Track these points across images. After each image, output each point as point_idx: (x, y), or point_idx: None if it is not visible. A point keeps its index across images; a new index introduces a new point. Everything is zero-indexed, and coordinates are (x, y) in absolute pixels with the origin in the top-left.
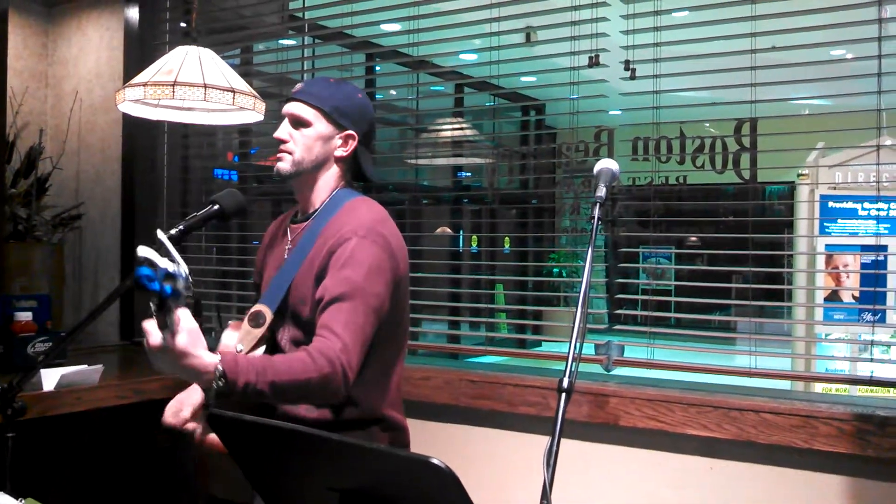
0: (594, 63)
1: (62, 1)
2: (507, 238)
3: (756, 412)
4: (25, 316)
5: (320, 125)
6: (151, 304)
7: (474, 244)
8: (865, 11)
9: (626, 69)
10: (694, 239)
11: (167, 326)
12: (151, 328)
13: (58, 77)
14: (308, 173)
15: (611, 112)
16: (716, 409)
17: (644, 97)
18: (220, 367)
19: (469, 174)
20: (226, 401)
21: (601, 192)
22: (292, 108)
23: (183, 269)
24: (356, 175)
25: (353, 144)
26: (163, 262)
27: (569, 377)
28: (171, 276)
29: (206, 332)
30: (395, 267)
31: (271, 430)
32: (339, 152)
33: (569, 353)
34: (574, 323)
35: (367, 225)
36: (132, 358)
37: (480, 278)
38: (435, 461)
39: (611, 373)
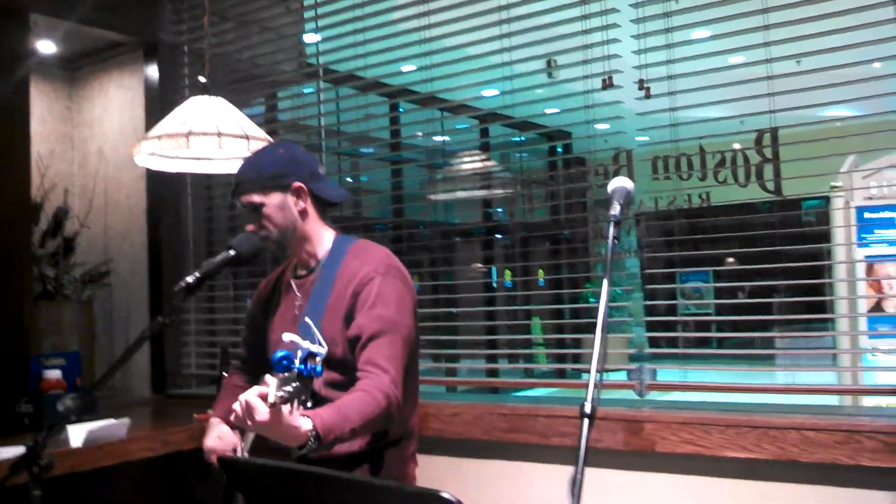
0: (608, 85)
1: (83, 64)
2: (540, 270)
3: (797, 430)
4: (55, 374)
5: (271, 199)
6: (281, 382)
7: (507, 278)
8: (882, 11)
9: (640, 88)
10: (731, 259)
11: (300, 401)
12: (258, 404)
13: (83, 138)
14: (291, 236)
15: (632, 133)
16: (754, 429)
17: (661, 116)
18: (314, 430)
19: (500, 210)
20: None
21: (615, 210)
22: (242, 201)
23: (323, 349)
24: (326, 206)
25: (304, 193)
26: (305, 344)
27: (591, 402)
28: (312, 356)
29: None
30: (413, 296)
31: (283, 472)
32: (300, 205)
33: (590, 377)
34: (595, 347)
35: (385, 262)
36: (164, 410)
37: (517, 311)
38: (445, 495)
39: (645, 398)
